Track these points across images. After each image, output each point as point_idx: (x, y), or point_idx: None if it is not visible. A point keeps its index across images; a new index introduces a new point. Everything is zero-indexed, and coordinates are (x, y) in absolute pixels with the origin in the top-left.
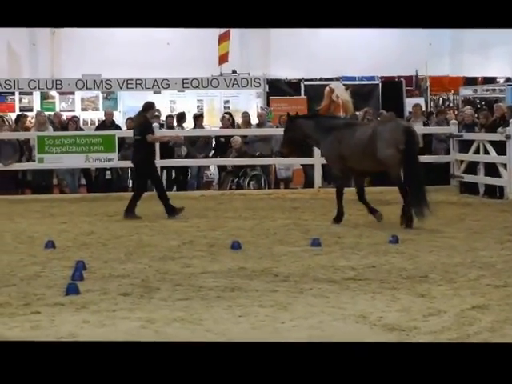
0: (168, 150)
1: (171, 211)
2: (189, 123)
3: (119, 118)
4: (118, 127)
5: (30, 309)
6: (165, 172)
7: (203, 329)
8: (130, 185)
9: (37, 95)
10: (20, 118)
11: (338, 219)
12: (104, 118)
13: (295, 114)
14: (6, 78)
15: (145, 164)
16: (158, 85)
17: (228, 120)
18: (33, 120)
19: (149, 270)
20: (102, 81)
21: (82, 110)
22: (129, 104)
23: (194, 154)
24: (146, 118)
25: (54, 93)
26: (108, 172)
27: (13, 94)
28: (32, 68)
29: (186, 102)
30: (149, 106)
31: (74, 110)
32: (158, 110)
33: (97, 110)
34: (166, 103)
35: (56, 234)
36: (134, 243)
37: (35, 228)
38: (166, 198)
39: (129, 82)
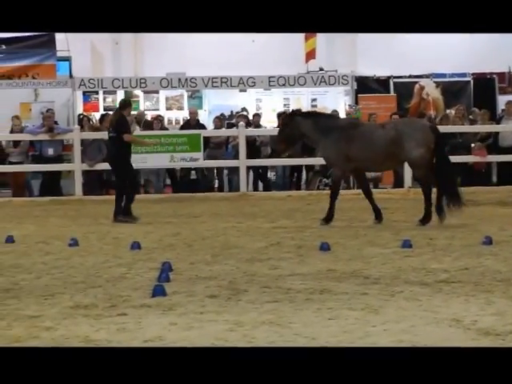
0: (254, 149)
1: (120, 214)
2: (273, 122)
3: (204, 117)
4: (202, 126)
5: (116, 311)
6: (251, 172)
7: (292, 332)
8: (216, 185)
9: (121, 94)
10: (104, 118)
11: (328, 220)
12: (188, 117)
13: (295, 111)
14: (89, 77)
15: (119, 162)
16: (244, 83)
17: None
18: None
19: (236, 271)
20: (186, 79)
21: (167, 109)
22: (214, 103)
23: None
24: (122, 115)
25: (138, 92)
26: (193, 172)
27: (97, 93)
28: (115, 67)
29: (273, 101)
30: (126, 104)
31: (158, 109)
32: (244, 109)
33: (181, 108)
34: (251, 102)
35: (141, 235)
36: (221, 244)
37: (120, 229)
38: (131, 200)
39: (214, 80)
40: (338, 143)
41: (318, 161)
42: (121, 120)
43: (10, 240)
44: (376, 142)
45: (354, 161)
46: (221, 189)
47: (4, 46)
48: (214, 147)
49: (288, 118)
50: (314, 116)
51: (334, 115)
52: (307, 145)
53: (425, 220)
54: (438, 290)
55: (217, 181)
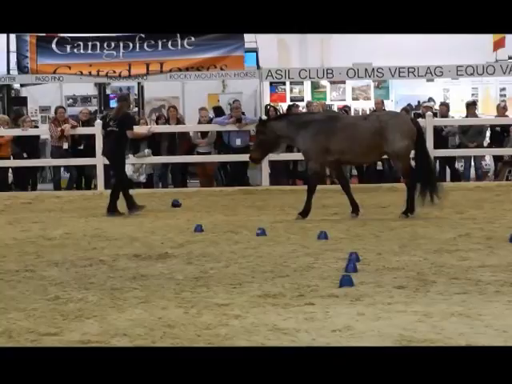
0: (441, 139)
1: (132, 207)
2: (461, 112)
3: (391, 107)
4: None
5: (303, 300)
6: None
7: (482, 324)
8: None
9: (307, 85)
10: (291, 108)
11: (305, 214)
12: (374, 108)
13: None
14: (276, 68)
15: (118, 157)
16: (431, 72)
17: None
18: (303, 110)
19: (424, 262)
20: (373, 69)
21: (353, 99)
22: (401, 93)
23: (466, 144)
24: (125, 110)
25: (324, 82)
26: (379, 162)
27: (283, 83)
28: (302, 57)
29: (460, 90)
30: (125, 98)
31: (344, 100)
32: (431, 99)
33: (368, 99)
34: (439, 91)
35: (328, 224)
36: (408, 235)
37: (307, 218)
38: (128, 194)
39: (401, 69)
40: (316, 136)
41: (506, 151)
42: (127, 115)
43: (198, 229)
44: (359, 134)
45: (335, 153)
46: None
47: (193, 38)
48: None
49: (261, 126)
50: (287, 116)
51: (309, 111)
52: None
53: (408, 211)
54: None
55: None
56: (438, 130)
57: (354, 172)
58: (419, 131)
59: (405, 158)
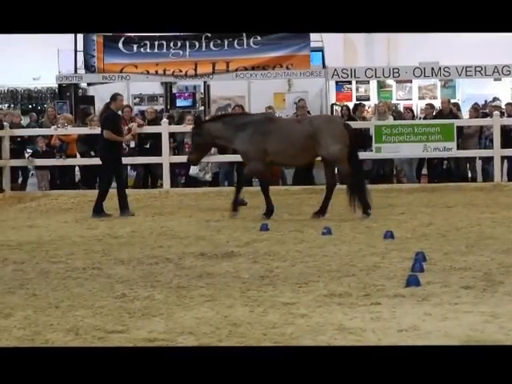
0: (509, 139)
1: (124, 210)
2: None
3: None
4: (456, 116)
5: (370, 300)
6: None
7: None
8: (470, 174)
9: (373, 84)
10: (357, 107)
11: (270, 213)
12: (441, 107)
13: (201, 119)
14: (342, 67)
15: (106, 157)
16: (499, 71)
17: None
18: (370, 109)
19: (491, 262)
20: (440, 68)
21: (419, 98)
22: (468, 92)
23: None
24: (110, 109)
25: (390, 81)
26: (445, 162)
27: (349, 83)
28: (368, 56)
29: None
30: (112, 97)
31: (410, 99)
32: (496, 99)
33: (434, 98)
34: (506, 90)
35: (394, 224)
36: (475, 235)
37: (373, 218)
38: (124, 195)
39: (468, 68)
40: (253, 137)
41: None
42: (107, 115)
43: (264, 228)
44: (293, 137)
45: (270, 155)
46: (474, 179)
47: (259, 37)
48: (467, 137)
49: (197, 127)
50: (223, 117)
51: (245, 113)
52: None
53: (320, 212)
54: None
55: (469, 171)
56: (506, 130)
57: (425, 171)
58: (351, 136)
59: (343, 161)
